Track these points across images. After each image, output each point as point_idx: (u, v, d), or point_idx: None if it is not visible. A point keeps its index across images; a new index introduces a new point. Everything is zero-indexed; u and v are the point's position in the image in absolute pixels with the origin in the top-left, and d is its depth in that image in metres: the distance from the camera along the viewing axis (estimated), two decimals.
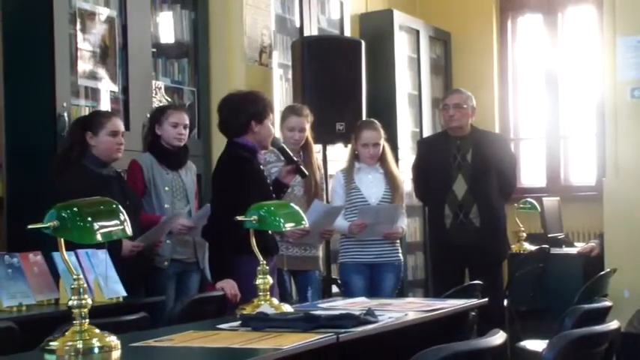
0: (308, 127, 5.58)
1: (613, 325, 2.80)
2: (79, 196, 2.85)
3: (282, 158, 5.22)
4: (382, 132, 5.93)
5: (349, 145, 6.15)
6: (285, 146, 5.02)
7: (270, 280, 3.71)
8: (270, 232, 4.39)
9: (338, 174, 5.99)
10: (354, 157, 5.95)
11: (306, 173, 5.09)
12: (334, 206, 5.70)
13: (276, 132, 5.55)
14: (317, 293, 5.62)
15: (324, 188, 5.92)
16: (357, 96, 6.56)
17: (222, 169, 4.71)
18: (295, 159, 5.00)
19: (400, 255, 5.95)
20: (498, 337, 2.40)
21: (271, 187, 4.85)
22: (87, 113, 5.16)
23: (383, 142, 5.92)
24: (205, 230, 4.74)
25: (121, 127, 4.88)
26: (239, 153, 4.64)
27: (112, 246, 4.31)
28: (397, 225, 5.85)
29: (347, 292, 5.73)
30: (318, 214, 5.27)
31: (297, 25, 7.13)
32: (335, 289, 6.14)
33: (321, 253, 5.80)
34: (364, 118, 6.43)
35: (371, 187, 5.87)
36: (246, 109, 4.67)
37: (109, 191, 4.50)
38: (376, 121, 5.99)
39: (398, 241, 5.94)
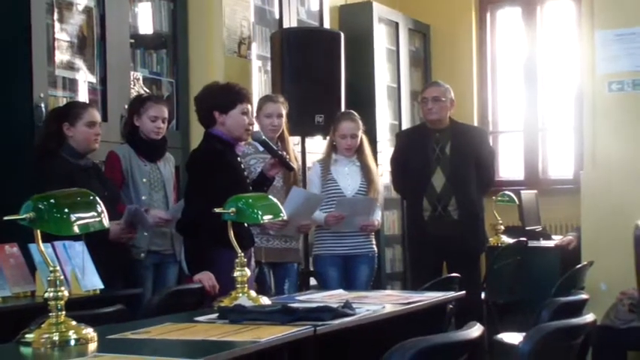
0: (285, 114, 5.58)
1: (589, 317, 2.81)
2: (57, 187, 2.84)
3: (261, 149, 5.20)
4: (361, 124, 5.94)
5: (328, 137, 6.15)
6: (267, 139, 5.00)
7: (247, 272, 3.71)
8: (245, 225, 4.38)
9: (315, 164, 5.99)
10: (332, 148, 5.95)
11: (293, 166, 5.06)
12: (314, 193, 5.69)
13: (255, 124, 5.54)
14: (294, 286, 5.62)
15: (303, 180, 5.92)
16: (336, 88, 6.55)
17: (194, 161, 4.70)
18: (280, 152, 4.97)
19: (374, 246, 5.96)
20: (476, 330, 2.41)
21: (251, 180, 4.85)
22: (64, 104, 5.13)
23: (361, 135, 5.94)
24: (178, 223, 4.73)
25: (98, 117, 4.87)
26: (212, 145, 4.62)
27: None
28: (373, 218, 5.86)
29: (322, 284, 5.74)
30: (298, 200, 5.27)
31: (277, 16, 7.12)
32: (313, 281, 6.14)
33: (300, 245, 5.81)
34: (343, 110, 6.43)
35: (347, 178, 5.88)
36: (208, 99, 4.66)
37: (87, 182, 4.48)
38: (355, 113, 6.00)
39: (372, 233, 5.96)
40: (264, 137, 4.98)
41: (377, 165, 6.25)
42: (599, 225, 6.44)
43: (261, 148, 5.22)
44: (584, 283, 5.80)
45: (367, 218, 5.81)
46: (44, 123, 4.89)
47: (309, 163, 6.36)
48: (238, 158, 4.76)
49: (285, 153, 5.08)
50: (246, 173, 4.86)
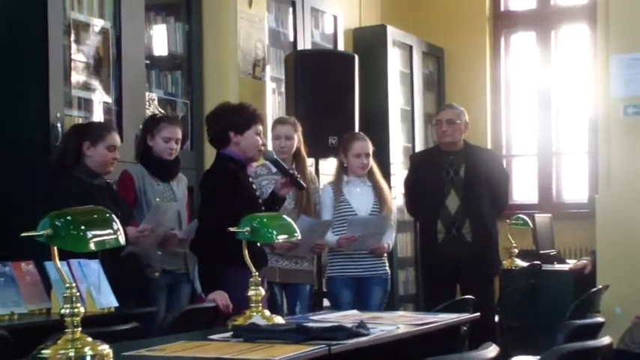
0: (296, 136, 5.58)
1: (605, 340, 2.80)
2: (71, 205, 2.85)
3: (274, 171, 5.21)
4: (370, 144, 5.93)
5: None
6: (278, 159, 5.01)
7: (262, 291, 3.71)
8: (258, 244, 4.38)
9: (326, 187, 5.95)
10: (342, 169, 5.93)
11: (303, 185, 5.04)
12: (321, 221, 5.67)
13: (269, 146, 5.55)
14: (305, 308, 5.59)
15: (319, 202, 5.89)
16: (350, 110, 6.56)
17: (207, 181, 4.71)
18: (291, 171, 4.98)
19: (387, 268, 5.92)
20: (492, 351, 2.40)
21: (263, 200, 4.85)
22: (87, 122, 5.17)
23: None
24: (192, 243, 4.74)
25: (118, 141, 4.89)
26: (225, 165, 4.64)
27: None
28: (384, 239, 5.83)
29: (335, 306, 5.72)
30: (304, 228, 5.26)
31: (291, 38, 7.15)
32: (327, 302, 6.12)
33: (315, 266, 5.79)
34: (355, 131, 6.43)
35: (360, 199, 5.85)
36: (223, 119, 4.68)
37: (101, 202, 4.48)
38: (363, 134, 6.01)
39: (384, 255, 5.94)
40: (275, 156, 5.00)
41: (390, 187, 6.24)
42: (614, 249, 6.42)
43: (274, 170, 5.23)
44: (599, 307, 5.77)
45: (380, 237, 5.78)
46: (63, 138, 4.91)
47: (322, 185, 6.35)
48: (250, 179, 4.78)
49: (296, 172, 5.07)
50: (258, 194, 4.87)
